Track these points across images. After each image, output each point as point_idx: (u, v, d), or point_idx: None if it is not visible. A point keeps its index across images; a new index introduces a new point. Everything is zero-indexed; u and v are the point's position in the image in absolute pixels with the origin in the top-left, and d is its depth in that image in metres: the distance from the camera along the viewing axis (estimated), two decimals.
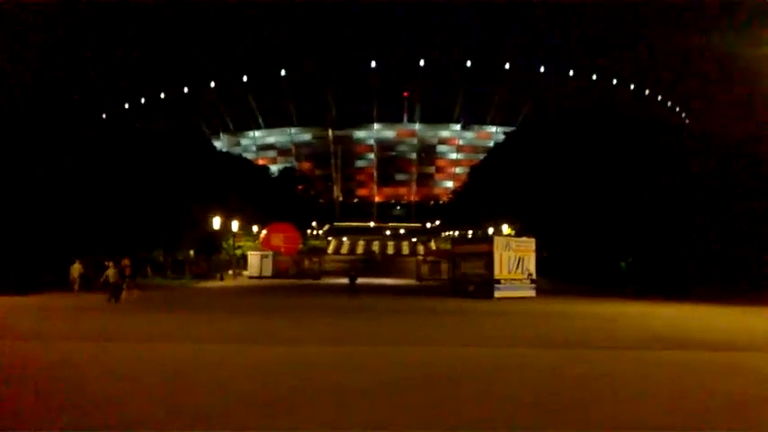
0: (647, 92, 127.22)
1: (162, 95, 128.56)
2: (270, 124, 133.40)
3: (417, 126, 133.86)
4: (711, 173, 35.97)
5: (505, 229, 53.12)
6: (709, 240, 35.51)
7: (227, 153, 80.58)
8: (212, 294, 32.44)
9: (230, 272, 53.26)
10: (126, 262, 25.78)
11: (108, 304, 22.83)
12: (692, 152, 38.56)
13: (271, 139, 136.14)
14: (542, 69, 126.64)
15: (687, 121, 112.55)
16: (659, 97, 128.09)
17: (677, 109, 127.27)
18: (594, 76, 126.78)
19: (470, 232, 75.36)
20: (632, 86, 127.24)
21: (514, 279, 30.64)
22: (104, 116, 54.42)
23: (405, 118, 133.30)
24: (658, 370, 10.21)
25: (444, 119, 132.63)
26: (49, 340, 12.92)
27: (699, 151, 38.43)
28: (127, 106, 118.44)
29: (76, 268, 30.42)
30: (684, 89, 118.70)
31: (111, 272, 24.35)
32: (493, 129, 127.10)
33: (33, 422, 6.26)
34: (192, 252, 56.42)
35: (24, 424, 6.19)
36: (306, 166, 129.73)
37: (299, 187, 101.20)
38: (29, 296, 26.11)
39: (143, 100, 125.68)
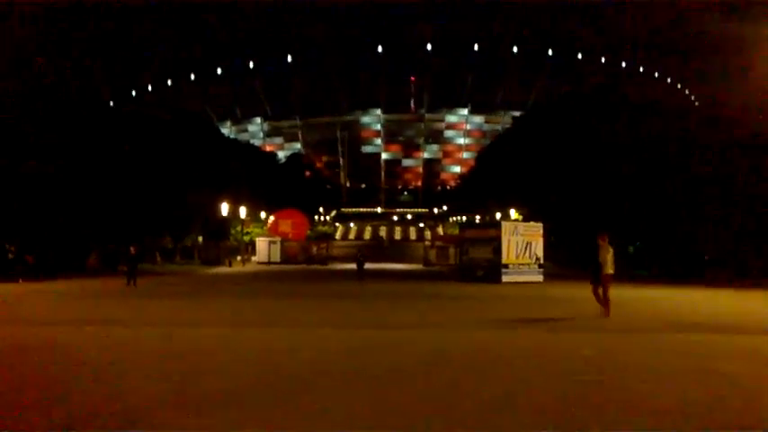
0: (656, 74, 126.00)
1: (169, 82, 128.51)
2: (277, 110, 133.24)
3: (425, 111, 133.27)
4: (722, 155, 35.58)
5: (513, 214, 53.07)
6: (718, 224, 35.26)
7: (235, 140, 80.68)
8: (221, 280, 32.65)
9: (239, 258, 53.61)
10: None
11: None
12: (700, 134, 38.18)
13: (277, 126, 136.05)
14: (550, 53, 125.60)
15: (696, 104, 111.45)
16: (668, 80, 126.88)
17: (687, 92, 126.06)
18: (603, 59, 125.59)
19: (478, 217, 75.35)
20: (641, 69, 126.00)
21: (522, 264, 30.63)
22: (111, 104, 54.53)
23: (412, 103, 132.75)
24: (663, 353, 10.23)
25: (452, 104, 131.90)
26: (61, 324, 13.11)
27: (706, 134, 38.03)
28: (134, 94, 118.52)
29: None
30: (692, 73, 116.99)
31: None
32: (501, 113, 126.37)
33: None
34: (200, 238, 56.80)
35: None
36: (313, 152, 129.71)
37: (307, 173, 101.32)
38: (44, 282, 26.49)
39: (150, 87, 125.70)
